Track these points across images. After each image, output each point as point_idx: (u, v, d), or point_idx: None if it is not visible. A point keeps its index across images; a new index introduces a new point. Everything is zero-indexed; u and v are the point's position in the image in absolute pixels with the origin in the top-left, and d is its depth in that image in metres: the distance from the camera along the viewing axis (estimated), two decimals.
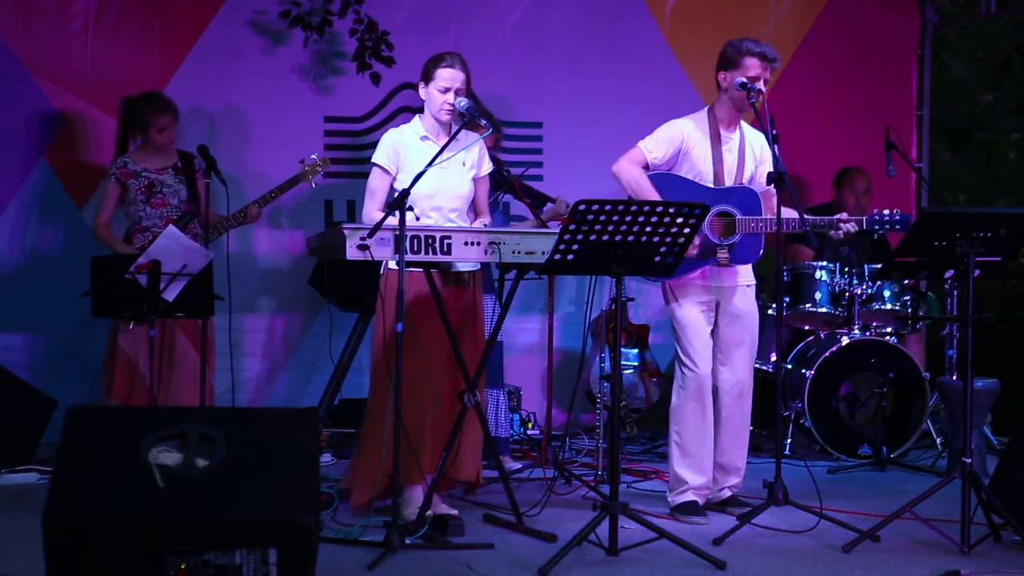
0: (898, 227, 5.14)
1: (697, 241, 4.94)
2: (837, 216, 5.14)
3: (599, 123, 7.42)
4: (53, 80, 6.79)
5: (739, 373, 5.21)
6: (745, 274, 5.23)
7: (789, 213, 4.99)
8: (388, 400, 4.64)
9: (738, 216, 5.06)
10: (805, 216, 4.95)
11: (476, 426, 4.97)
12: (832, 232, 5.14)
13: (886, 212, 5.16)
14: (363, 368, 6.73)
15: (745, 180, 5.17)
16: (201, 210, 5.86)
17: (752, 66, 5.07)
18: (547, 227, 6.06)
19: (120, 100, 6.14)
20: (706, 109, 5.23)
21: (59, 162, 6.82)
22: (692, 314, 5.12)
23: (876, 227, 5.17)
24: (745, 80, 5.01)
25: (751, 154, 5.21)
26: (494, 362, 6.19)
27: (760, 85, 5.03)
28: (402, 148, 4.94)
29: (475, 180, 5.06)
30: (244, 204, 6.20)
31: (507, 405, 6.36)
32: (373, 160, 4.98)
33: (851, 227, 5.10)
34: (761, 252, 5.19)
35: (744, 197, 5.12)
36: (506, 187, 6.11)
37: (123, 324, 5.86)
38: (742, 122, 5.24)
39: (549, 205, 6.30)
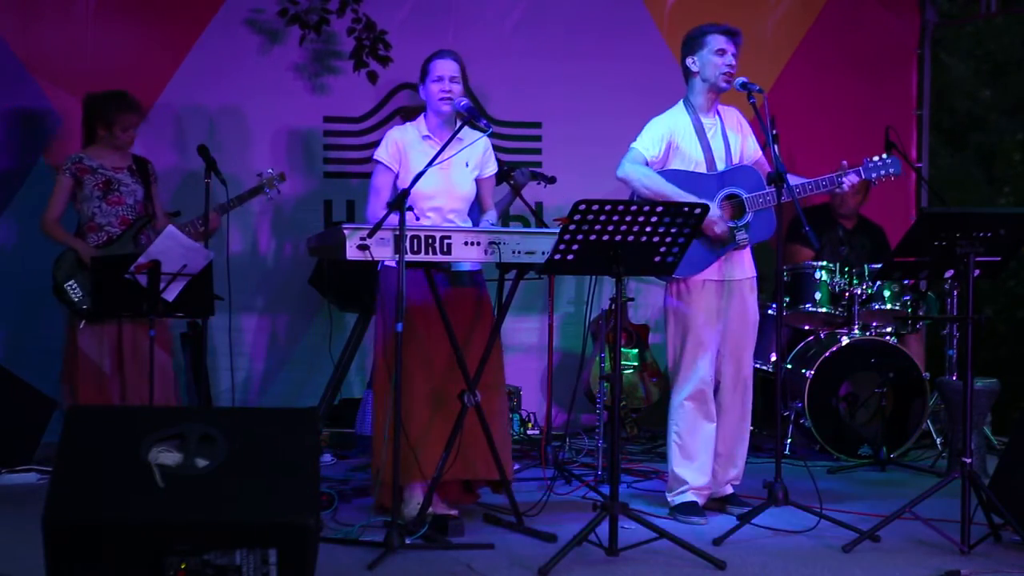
0: (891, 171, 5.14)
1: (717, 229, 4.97)
2: (837, 172, 5.12)
3: (599, 124, 7.40)
4: (53, 80, 6.80)
5: (743, 368, 5.20)
6: (750, 266, 5.23)
7: (793, 180, 4.98)
8: (383, 400, 4.64)
9: (744, 195, 5.07)
10: (806, 182, 4.94)
11: (498, 425, 4.94)
12: (838, 189, 5.13)
13: (876, 158, 5.16)
14: (363, 368, 6.72)
15: (735, 160, 5.18)
16: (155, 214, 5.83)
17: (716, 40, 5.09)
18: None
19: (83, 96, 6.05)
20: (681, 101, 5.21)
21: (59, 162, 6.80)
22: (701, 316, 5.10)
23: (874, 174, 5.14)
24: (745, 80, 5.02)
25: (732, 132, 5.21)
26: None
27: (730, 59, 5.07)
28: (404, 146, 4.94)
29: (479, 181, 5.06)
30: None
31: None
32: (375, 157, 4.97)
33: (852, 178, 5.09)
34: (775, 225, 5.07)
35: (746, 175, 5.12)
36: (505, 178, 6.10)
37: (77, 323, 5.74)
38: (718, 104, 5.23)
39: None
